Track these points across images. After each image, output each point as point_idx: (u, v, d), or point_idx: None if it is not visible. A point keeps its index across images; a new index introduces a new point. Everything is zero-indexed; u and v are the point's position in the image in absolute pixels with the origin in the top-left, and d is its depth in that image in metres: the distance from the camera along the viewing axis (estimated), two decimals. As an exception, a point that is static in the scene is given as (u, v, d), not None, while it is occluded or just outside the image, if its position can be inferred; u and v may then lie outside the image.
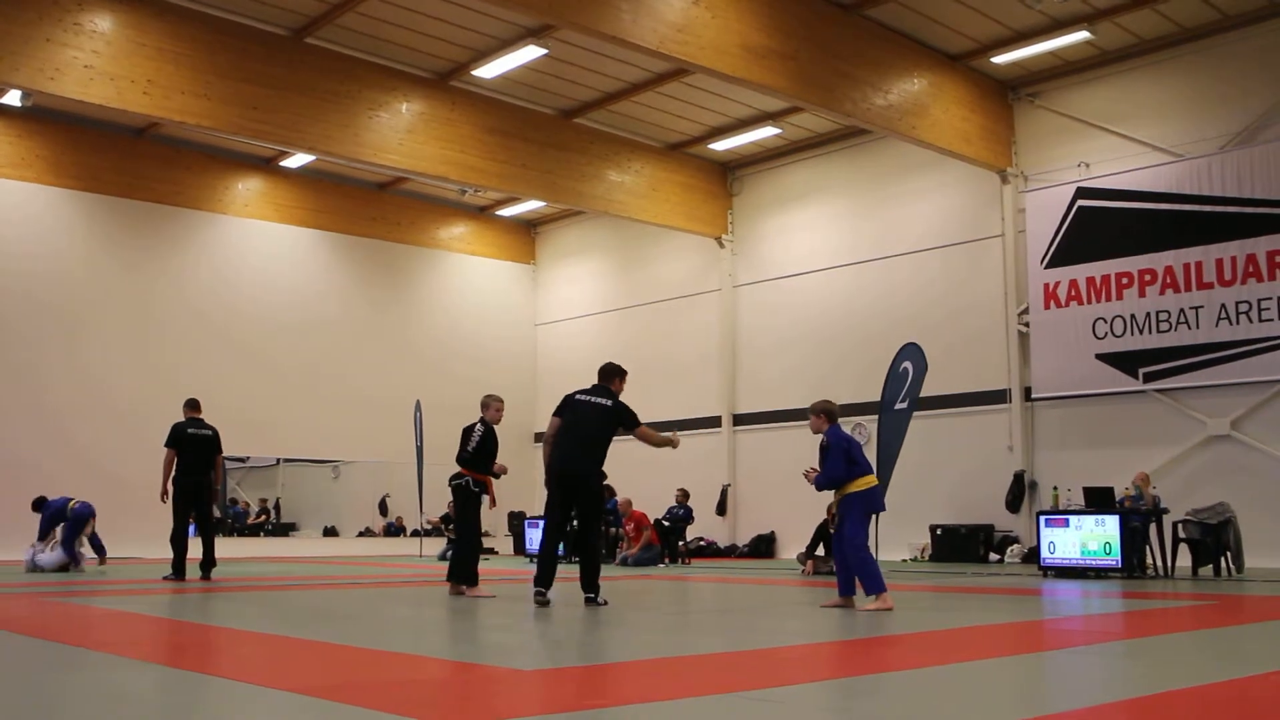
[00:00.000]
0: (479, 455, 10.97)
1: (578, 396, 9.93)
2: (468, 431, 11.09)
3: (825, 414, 9.33)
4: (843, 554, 9.13)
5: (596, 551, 9.78)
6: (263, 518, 25.81)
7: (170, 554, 13.32)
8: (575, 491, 9.71)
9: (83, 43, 15.46)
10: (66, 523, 15.80)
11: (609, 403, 9.80)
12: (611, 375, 10.12)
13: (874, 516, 9.51)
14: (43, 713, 4.37)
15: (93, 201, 21.77)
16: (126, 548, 19.45)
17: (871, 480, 9.15)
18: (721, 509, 23.39)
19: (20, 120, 20.68)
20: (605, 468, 9.88)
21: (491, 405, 11.31)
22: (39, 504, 16.17)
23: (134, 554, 19.41)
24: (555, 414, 9.95)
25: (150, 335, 22.11)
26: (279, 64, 17.48)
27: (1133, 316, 17.61)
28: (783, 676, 5.49)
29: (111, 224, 22.02)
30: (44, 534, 15.94)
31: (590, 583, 9.53)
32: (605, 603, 9.37)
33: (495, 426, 11.24)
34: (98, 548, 16.83)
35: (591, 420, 9.73)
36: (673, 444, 10.10)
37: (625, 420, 9.72)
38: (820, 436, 9.34)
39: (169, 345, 22.20)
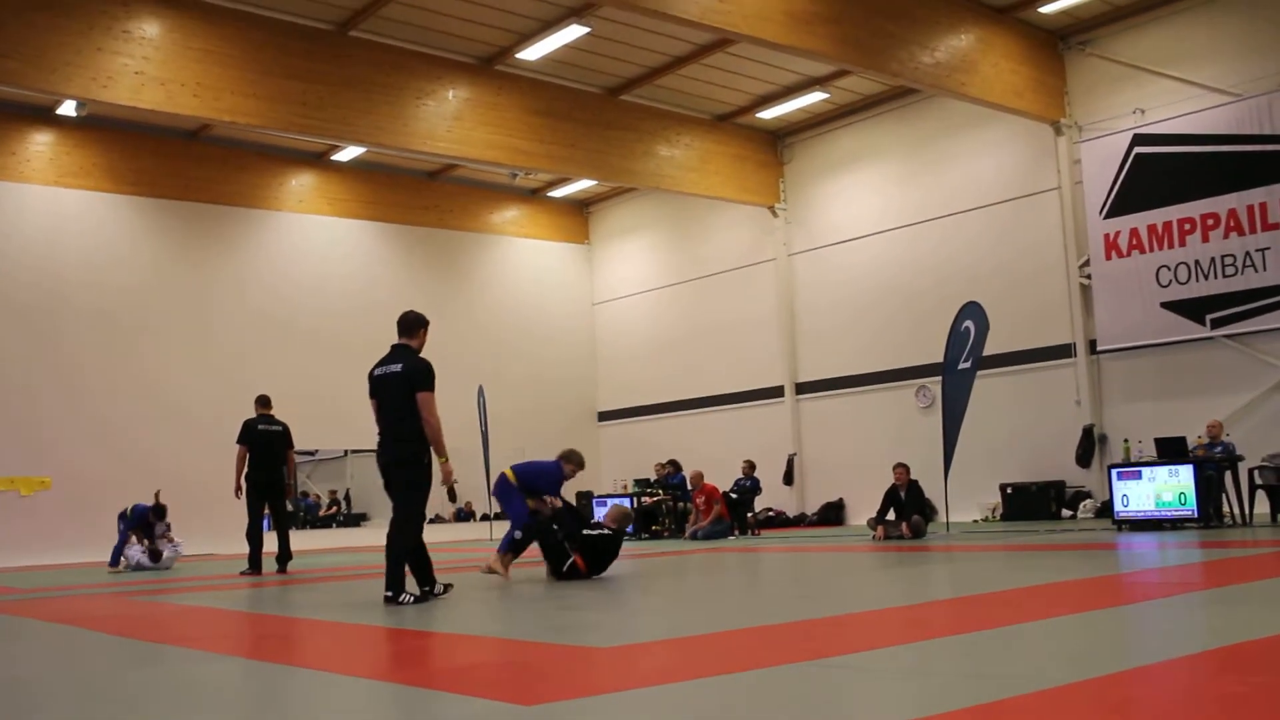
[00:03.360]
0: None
1: (375, 372, 8.64)
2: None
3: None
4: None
5: (394, 545, 8.30)
6: (334, 509, 26.10)
7: (246, 549, 13.56)
8: (390, 480, 8.46)
9: (132, 49, 15.64)
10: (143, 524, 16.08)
11: (399, 367, 8.45)
12: (411, 327, 8.68)
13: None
14: (133, 707, 4.46)
15: (151, 206, 22.04)
16: (199, 545, 19.78)
17: None
18: (789, 479, 23.35)
19: (77, 130, 20.98)
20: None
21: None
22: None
23: (208, 551, 19.72)
24: (369, 395, 8.68)
25: (214, 333, 22.37)
26: (324, 59, 17.59)
27: (1197, 262, 17.30)
28: (858, 643, 5.47)
29: (170, 227, 22.29)
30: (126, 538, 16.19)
31: (389, 580, 8.26)
32: (408, 600, 8.13)
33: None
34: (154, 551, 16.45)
35: (390, 394, 8.44)
36: (444, 468, 8.51)
37: (414, 382, 8.34)
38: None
39: (233, 342, 22.46)
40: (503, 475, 10.91)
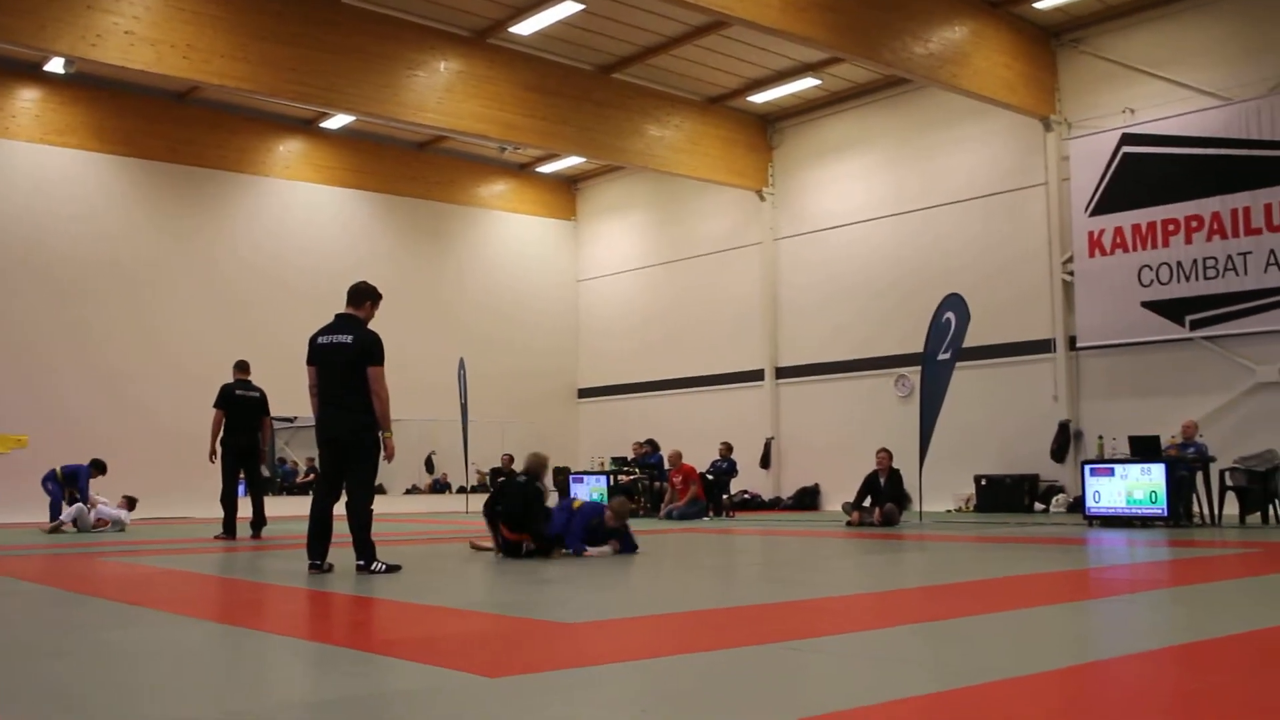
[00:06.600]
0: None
1: (319, 340, 8.57)
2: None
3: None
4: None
5: (359, 516, 8.41)
6: (311, 477, 26.08)
7: (221, 513, 13.58)
8: (343, 454, 8.46)
9: (123, 9, 15.53)
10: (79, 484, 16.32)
11: (349, 339, 8.41)
12: (360, 298, 8.69)
13: None
14: (105, 668, 4.48)
15: (136, 166, 21.92)
16: (178, 507, 19.78)
17: None
18: (765, 462, 23.43)
19: (64, 87, 20.84)
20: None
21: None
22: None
23: (185, 513, 19.71)
24: (308, 362, 8.59)
25: (194, 298, 22.28)
26: (316, 25, 17.49)
27: (1179, 264, 17.39)
28: (825, 626, 5.53)
29: (155, 188, 22.17)
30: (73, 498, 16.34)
31: (359, 550, 8.36)
32: (381, 569, 8.25)
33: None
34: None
35: (336, 366, 8.39)
36: (388, 442, 8.62)
37: (367, 356, 8.34)
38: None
39: (213, 307, 22.37)
40: (570, 501, 10.56)
